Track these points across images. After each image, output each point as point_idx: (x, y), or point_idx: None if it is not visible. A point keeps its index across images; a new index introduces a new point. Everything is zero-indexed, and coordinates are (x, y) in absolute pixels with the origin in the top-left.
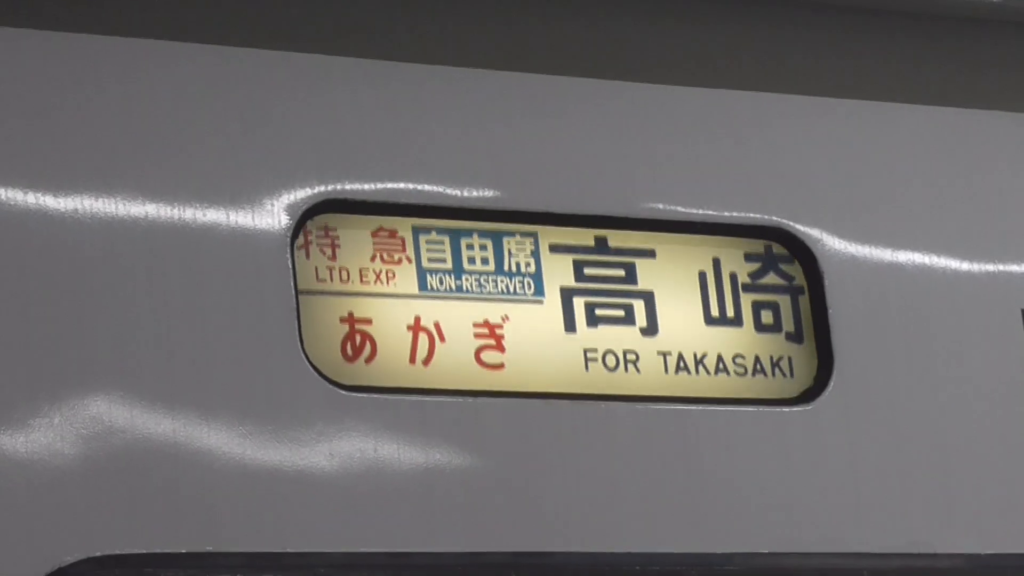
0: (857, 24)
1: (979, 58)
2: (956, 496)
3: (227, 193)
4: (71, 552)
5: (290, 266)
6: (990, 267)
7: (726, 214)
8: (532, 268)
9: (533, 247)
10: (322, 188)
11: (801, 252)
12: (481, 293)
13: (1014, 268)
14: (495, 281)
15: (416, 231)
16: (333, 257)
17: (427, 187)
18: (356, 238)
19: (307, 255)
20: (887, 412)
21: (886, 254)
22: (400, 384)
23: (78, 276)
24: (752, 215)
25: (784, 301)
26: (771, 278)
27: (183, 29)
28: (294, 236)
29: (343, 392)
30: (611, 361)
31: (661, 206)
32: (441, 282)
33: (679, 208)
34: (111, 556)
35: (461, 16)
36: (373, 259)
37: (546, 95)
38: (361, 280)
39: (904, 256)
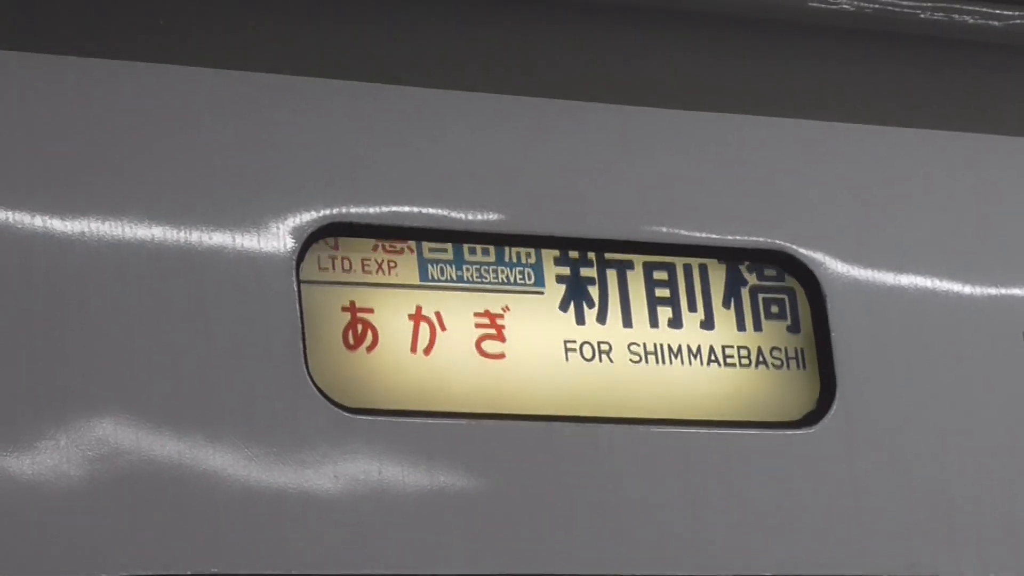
0: (861, 49)
1: (980, 82)
2: (958, 519)
3: (233, 216)
4: (76, 574)
5: (295, 289)
6: (992, 290)
7: (729, 238)
8: (532, 259)
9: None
10: (327, 211)
11: (804, 276)
12: (482, 283)
13: (1016, 291)
14: (496, 271)
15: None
16: (335, 247)
17: (432, 210)
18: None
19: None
20: (890, 435)
21: (888, 277)
22: (401, 373)
23: (85, 298)
24: (755, 239)
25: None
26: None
27: (190, 53)
28: (299, 259)
29: (347, 414)
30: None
31: (665, 230)
32: (442, 272)
33: (682, 232)
34: None
35: (466, 41)
36: (375, 249)
37: (551, 119)
38: (363, 269)
39: (906, 279)
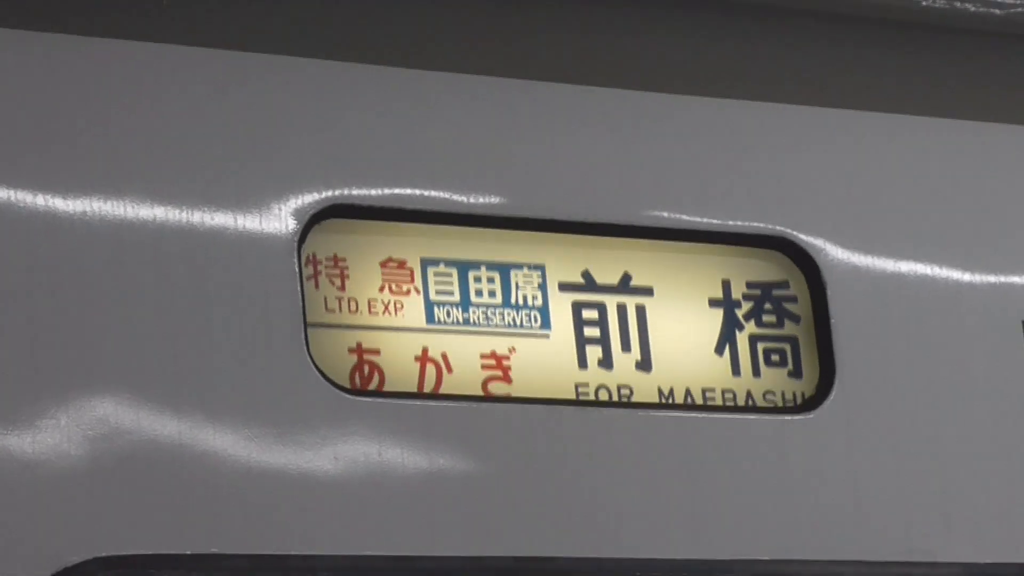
0: (861, 35)
1: (981, 70)
2: (956, 505)
3: (234, 197)
4: (76, 552)
5: (297, 271)
6: (991, 278)
7: (730, 223)
8: (539, 302)
9: (540, 280)
10: (329, 193)
11: (804, 262)
12: (488, 325)
13: (1015, 279)
14: (502, 314)
15: (424, 263)
16: (342, 288)
17: (434, 193)
18: (365, 268)
19: (316, 285)
20: (888, 421)
21: (889, 264)
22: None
23: (85, 279)
24: (756, 225)
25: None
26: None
27: (191, 33)
28: (301, 240)
29: (348, 396)
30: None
31: (666, 215)
32: (448, 314)
33: (683, 217)
34: (116, 557)
35: (470, 23)
36: (382, 290)
37: (552, 103)
38: (369, 311)
39: (906, 266)
